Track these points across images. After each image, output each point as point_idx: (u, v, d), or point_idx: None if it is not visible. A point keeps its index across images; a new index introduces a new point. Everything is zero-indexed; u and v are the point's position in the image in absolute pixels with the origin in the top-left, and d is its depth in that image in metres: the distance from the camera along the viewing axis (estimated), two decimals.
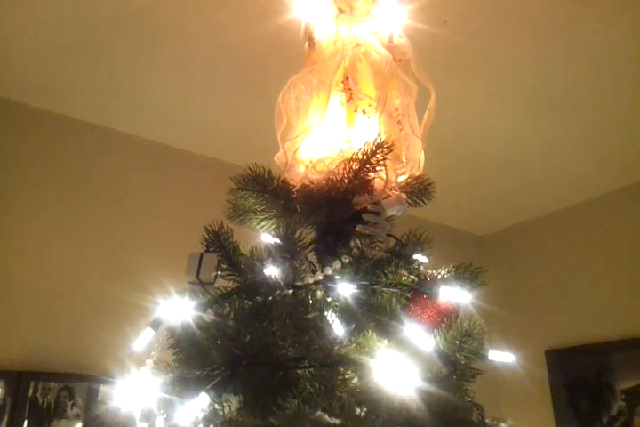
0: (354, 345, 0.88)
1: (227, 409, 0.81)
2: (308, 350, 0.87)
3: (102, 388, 2.02)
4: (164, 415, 0.90)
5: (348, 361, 0.86)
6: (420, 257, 1.27)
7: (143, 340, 1.13)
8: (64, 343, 2.02)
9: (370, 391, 0.83)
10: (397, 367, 0.83)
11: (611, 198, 3.07)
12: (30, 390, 1.92)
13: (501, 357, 1.11)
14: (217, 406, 0.82)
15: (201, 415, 0.83)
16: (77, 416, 1.98)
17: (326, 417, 0.77)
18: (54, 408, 1.95)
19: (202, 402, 0.85)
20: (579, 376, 2.90)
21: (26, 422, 1.89)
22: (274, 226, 1.33)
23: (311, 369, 0.86)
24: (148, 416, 1.05)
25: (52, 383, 1.97)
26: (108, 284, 2.10)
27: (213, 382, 0.83)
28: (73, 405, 1.98)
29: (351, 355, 0.86)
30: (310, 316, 0.92)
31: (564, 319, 3.07)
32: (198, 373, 0.87)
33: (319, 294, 0.98)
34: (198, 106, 2.38)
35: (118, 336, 1.42)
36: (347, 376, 0.85)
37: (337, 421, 0.78)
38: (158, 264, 1.83)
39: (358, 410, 0.83)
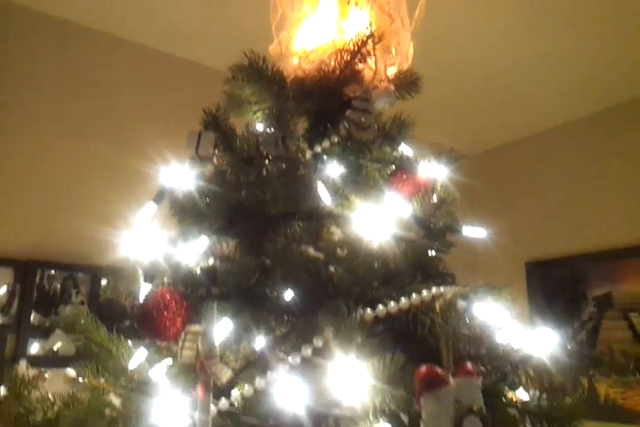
0: (338, 203, 0.98)
1: (224, 246, 0.92)
2: (297, 205, 0.97)
3: (104, 279, 2.14)
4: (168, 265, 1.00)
5: (333, 216, 0.96)
6: (404, 148, 1.36)
7: (146, 212, 1.23)
8: (69, 233, 2.10)
9: (351, 240, 0.93)
10: (376, 220, 0.94)
11: (595, 118, 3.14)
12: (37, 278, 2.05)
13: (474, 232, 1.22)
14: (217, 245, 0.93)
15: (201, 253, 0.94)
16: (81, 303, 2.12)
17: (311, 250, 0.88)
18: (60, 295, 2.08)
19: (202, 244, 0.96)
20: (555, 286, 3.09)
21: (34, 308, 2.03)
22: (268, 115, 1.39)
23: (300, 222, 0.96)
24: (151, 276, 1.16)
25: (58, 272, 2.09)
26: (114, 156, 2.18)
27: (213, 229, 0.93)
28: (77, 293, 2.12)
29: (336, 210, 0.96)
30: (299, 173, 1.01)
31: (544, 234, 3.22)
32: (200, 225, 0.97)
33: (309, 154, 1.06)
34: (193, 10, 2.37)
35: (123, 207, 1.48)
36: (331, 228, 0.96)
37: (321, 255, 0.89)
38: (160, 138, 1.86)
39: (340, 251, 0.94)
